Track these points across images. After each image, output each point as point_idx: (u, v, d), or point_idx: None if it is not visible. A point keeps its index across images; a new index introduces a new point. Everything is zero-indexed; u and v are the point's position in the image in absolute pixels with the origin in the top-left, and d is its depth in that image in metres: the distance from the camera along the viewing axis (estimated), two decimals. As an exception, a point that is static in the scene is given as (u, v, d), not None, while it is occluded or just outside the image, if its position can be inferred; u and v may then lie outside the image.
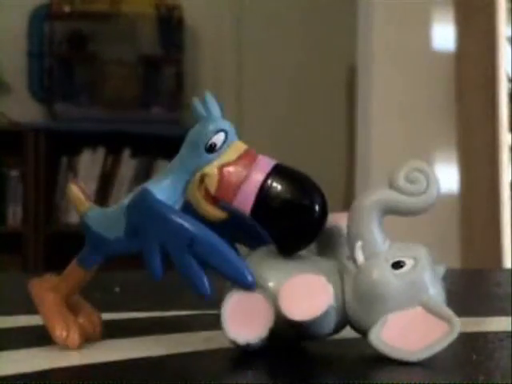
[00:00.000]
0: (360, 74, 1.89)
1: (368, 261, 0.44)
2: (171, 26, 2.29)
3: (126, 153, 2.24)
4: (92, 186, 2.22)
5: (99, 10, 2.28)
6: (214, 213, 0.45)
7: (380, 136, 1.78)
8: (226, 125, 0.46)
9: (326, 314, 0.43)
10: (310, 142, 2.17)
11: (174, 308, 0.61)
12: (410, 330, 0.43)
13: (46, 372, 0.42)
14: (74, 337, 0.47)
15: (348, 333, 0.46)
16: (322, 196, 0.45)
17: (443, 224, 1.66)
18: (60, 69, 2.28)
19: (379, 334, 0.42)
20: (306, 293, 0.43)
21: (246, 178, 0.45)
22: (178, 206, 0.46)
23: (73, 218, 2.21)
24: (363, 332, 0.44)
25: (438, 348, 0.42)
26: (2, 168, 2.20)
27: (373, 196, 0.44)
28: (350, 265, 0.45)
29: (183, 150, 0.46)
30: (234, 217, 0.45)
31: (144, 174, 2.25)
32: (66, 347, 0.47)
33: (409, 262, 0.43)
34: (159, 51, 2.32)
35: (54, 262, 2.16)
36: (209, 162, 0.45)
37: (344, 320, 0.44)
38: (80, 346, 0.47)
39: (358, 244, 0.44)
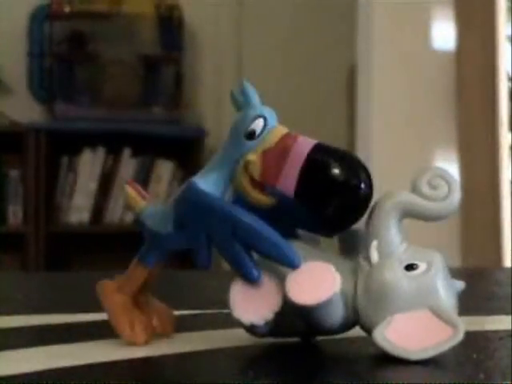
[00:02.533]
0: (360, 73, 1.89)
1: (382, 260, 0.44)
2: (171, 26, 2.29)
3: (126, 152, 2.24)
4: (92, 186, 2.22)
5: (99, 10, 2.28)
6: (261, 198, 0.45)
7: (380, 135, 1.78)
8: (265, 111, 0.46)
9: (331, 302, 0.43)
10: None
11: (174, 308, 0.61)
12: (415, 331, 0.43)
13: (46, 372, 0.42)
14: (140, 333, 0.48)
15: (352, 332, 0.46)
16: (367, 171, 0.44)
17: (443, 223, 1.66)
18: (60, 69, 2.28)
19: (384, 332, 0.43)
20: (313, 279, 0.43)
21: (288, 160, 0.44)
22: (226, 196, 0.46)
23: (73, 218, 2.21)
24: (370, 330, 0.44)
25: (438, 350, 0.42)
26: (2, 168, 2.20)
27: (393, 197, 0.45)
28: (364, 263, 0.45)
29: (227, 142, 0.47)
30: (286, 202, 0.45)
31: (144, 173, 2.25)
32: (132, 344, 0.47)
33: (422, 266, 0.44)
34: (159, 51, 2.32)
35: (55, 262, 2.16)
36: (251, 149, 0.46)
37: (354, 317, 0.45)
38: (147, 342, 0.48)
39: (374, 243, 0.44)
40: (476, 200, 1.72)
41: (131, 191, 0.51)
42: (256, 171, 0.45)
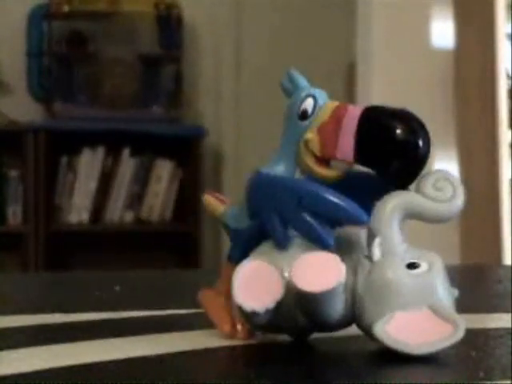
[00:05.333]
0: (359, 71, 1.89)
1: (384, 258, 0.44)
2: (170, 25, 2.29)
3: (126, 152, 2.24)
4: (92, 185, 2.22)
5: (98, 9, 2.28)
6: (328, 173, 0.46)
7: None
8: (313, 90, 0.48)
9: (334, 292, 0.43)
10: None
11: (174, 307, 0.61)
12: (415, 328, 0.43)
13: (46, 372, 0.42)
14: (241, 329, 0.49)
15: (349, 330, 0.46)
16: (422, 126, 0.45)
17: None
18: (59, 68, 2.28)
19: (384, 327, 0.43)
20: (318, 267, 0.43)
21: (342, 128, 0.45)
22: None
23: (72, 218, 2.21)
24: (367, 326, 0.44)
25: (439, 346, 0.42)
26: (2, 168, 2.20)
27: (398, 197, 0.45)
28: (365, 260, 0.45)
29: (284, 128, 0.48)
30: (355, 172, 0.46)
31: (143, 173, 2.25)
32: (234, 339, 0.49)
33: (423, 265, 0.44)
34: (158, 50, 2.32)
35: (54, 262, 2.17)
36: (307, 128, 0.47)
37: (352, 313, 0.45)
38: (249, 337, 0.49)
39: (377, 240, 0.45)
40: (476, 199, 1.72)
41: (209, 199, 0.53)
42: (316, 147, 0.46)
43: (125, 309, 0.65)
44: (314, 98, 0.47)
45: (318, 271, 0.43)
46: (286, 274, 0.44)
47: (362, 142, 0.45)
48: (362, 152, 0.45)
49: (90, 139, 2.22)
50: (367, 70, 1.85)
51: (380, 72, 1.83)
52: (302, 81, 0.49)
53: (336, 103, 0.47)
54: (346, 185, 0.46)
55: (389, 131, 0.44)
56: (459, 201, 0.45)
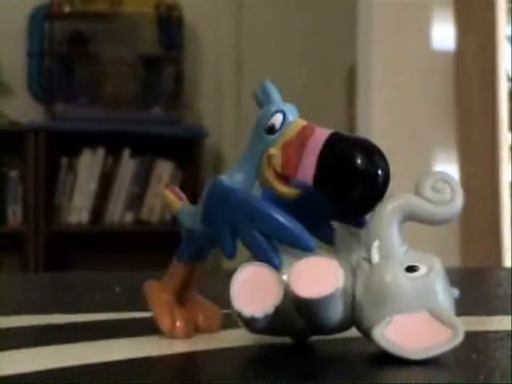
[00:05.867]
0: (360, 73, 1.89)
1: (382, 261, 0.44)
2: (171, 26, 2.29)
3: (126, 153, 2.24)
4: (92, 186, 2.22)
5: (99, 10, 2.28)
6: (286, 191, 0.46)
7: (380, 135, 1.78)
8: (284, 106, 0.48)
9: (333, 298, 0.43)
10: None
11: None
12: (414, 332, 0.43)
13: (46, 372, 0.42)
14: (181, 326, 0.50)
15: (349, 332, 0.46)
16: (383, 157, 0.45)
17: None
18: (60, 69, 2.28)
19: (383, 331, 0.43)
20: (316, 273, 0.43)
21: (306, 149, 0.45)
22: (254, 191, 0.47)
23: (72, 218, 2.21)
24: (366, 330, 0.44)
25: (438, 350, 0.42)
26: (2, 168, 2.20)
27: (397, 199, 0.45)
28: (364, 263, 0.45)
29: (251, 139, 0.49)
30: (310, 193, 0.46)
31: (144, 173, 2.25)
32: (174, 337, 0.49)
33: (423, 268, 0.44)
34: (159, 51, 2.32)
35: (54, 262, 2.16)
36: (272, 143, 0.47)
37: (351, 317, 0.45)
38: (189, 336, 0.49)
39: (375, 243, 0.44)
40: (476, 200, 1.72)
41: (169, 194, 0.53)
42: (278, 164, 0.46)
43: (125, 310, 0.65)
44: (284, 114, 0.47)
45: (316, 277, 0.43)
46: (285, 279, 0.44)
47: (323, 167, 0.45)
48: (322, 177, 0.45)
49: (91, 140, 2.22)
50: (368, 72, 1.85)
51: (381, 74, 1.83)
52: (275, 94, 0.49)
53: (304, 122, 0.47)
54: (303, 202, 0.46)
55: (350, 159, 0.44)
56: (458, 203, 0.45)
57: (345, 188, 0.44)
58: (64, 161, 2.23)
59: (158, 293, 0.52)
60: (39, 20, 2.26)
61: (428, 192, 0.45)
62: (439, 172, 0.46)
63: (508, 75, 1.86)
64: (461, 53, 1.85)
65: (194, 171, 2.24)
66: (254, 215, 0.46)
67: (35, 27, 2.26)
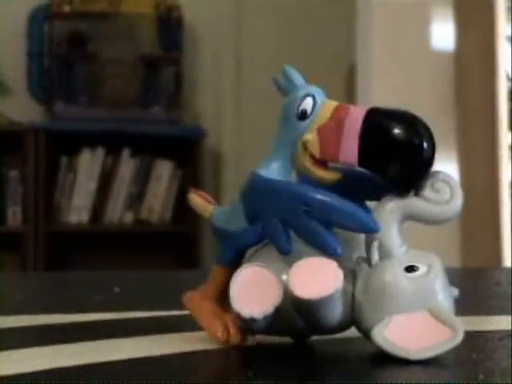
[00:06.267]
0: (360, 73, 1.89)
1: (382, 261, 0.44)
2: (170, 26, 2.29)
3: (126, 152, 2.24)
4: (92, 186, 2.22)
5: (99, 10, 2.28)
6: (327, 175, 0.45)
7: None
8: (311, 89, 0.46)
9: (332, 298, 0.43)
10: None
11: (174, 308, 0.61)
12: (414, 332, 0.43)
13: (46, 372, 0.42)
14: (235, 334, 0.48)
15: (350, 332, 0.46)
16: (426, 128, 0.44)
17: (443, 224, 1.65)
18: (59, 69, 2.28)
19: (383, 331, 0.43)
20: (315, 274, 0.43)
21: (344, 130, 0.44)
22: (291, 180, 0.46)
23: (72, 218, 2.21)
24: (366, 330, 0.44)
25: (438, 351, 0.42)
26: (2, 168, 2.20)
27: (396, 199, 0.45)
28: (364, 264, 0.45)
29: (280, 127, 0.47)
30: (350, 174, 0.44)
31: (143, 173, 2.25)
32: (228, 344, 0.48)
33: (422, 268, 0.44)
34: (159, 51, 2.32)
35: (54, 262, 2.16)
36: (305, 128, 0.45)
37: (351, 317, 0.45)
38: (243, 341, 0.48)
39: (375, 244, 0.44)
40: (476, 200, 1.72)
41: (197, 199, 0.52)
42: (315, 149, 0.45)
43: (124, 309, 0.65)
44: (313, 97, 0.46)
45: (316, 278, 0.43)
46: (285, 279, 0.44)
47: (366, 146, 0.43)
48: (366, 156, 0.43)
49: (90, 140, 2.22)
50: (367, 72, 1.85)
51: (380, 74, 1.83)
52: (299, 78, 0.48)
53: (335, 103, 0.46)
54: (341, 186, 0.45)
55: (394, 134, 0.43)
56: (457, 202, 0.45)
57: (392, 163, 0.43)
58: (64, 160, 2.22)
59: (201, 302, 0.50)
60: (39, 20, 2.26)
61: (427, 192, 0.45)
62: (438, 172, 0.46)
63: (508, 75, 1.85)
64: (461, 53, 1.85)
65: (193, 171, 2.24)
66: (309, 205, 0.44)
67: (35, 27, 2.25)
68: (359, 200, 0.45)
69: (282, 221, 0.45)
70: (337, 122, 0.45)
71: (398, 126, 0.43)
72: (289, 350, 0.48)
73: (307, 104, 0.46)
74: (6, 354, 0.47)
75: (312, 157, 0.45)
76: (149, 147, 2.24)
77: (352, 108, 0.45)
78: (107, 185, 2.23)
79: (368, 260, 0.45)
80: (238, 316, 0.45)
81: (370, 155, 0.44)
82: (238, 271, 0.45)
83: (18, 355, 0.47)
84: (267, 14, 2.33)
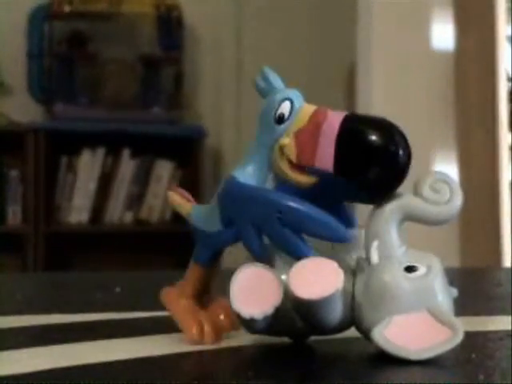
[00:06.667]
0: (360, 73, 1.89)
1: (382, 261, 0.44)
2: (171, 26, 2.29)
3: (126, 153, 2.24)
4: (92, 186, 2.22)
5: (99, 9, 2.28)
6: (303, 179, 0.45)
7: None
8: (290, 92, 0.46)
9: (333, 298, 0.43)
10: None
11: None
12: (413, 332, 0.43)
13: (47, 372, 0.42)
14: (209, 333, 0.48)
15: (350, 332, 0.46)
16: (402, 134, 0.44)
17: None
18: (60, 69, 2.28)
19: (383, 331, 0.43)
20: (316, 274, 0.43)
21: (321, 136, 0.44)
22: (267, 184, 0.46)
23: (72, 218, 2.21)
24: (366, 330, 0.44)
25: (438, 351, 0.42)
26: (2, 168, 2.20)
27: (396, 199, 0.45)
28: (363, 264, 0.45)
29: (257, 130, 0.47)
30: (326, 178, 0.44)
31: (144, 173, 2.25)
32: (201, 344, 0.48)
33: (422, 268, 0.44)
34: (159, 51, 2.32)
35: (54, 262, 2.16)
36: (283, 132, 0.45)
37: (351, 317, 0.45)
38: (217, 340, 0.48)
39: (375, 244, 0.44)
40: (476, 200, 1.72)
41: (176, 197, 0.52)
42: (292, 153, 0.45)
43: (125, 310, 0.65)
44: (291, 101, 0.46)
45: (316, 278, 0.43)
46: (285, 279, 0.44)
47: (342, 152, 0.43)
48: (342, 162, 0.43)
49: (90, 140, 2.22)
50: (367, 72, 1.85)
51: (380, 74, 1.83)
52: (277, 81, 0.48)
53: (313, 107, 0.46)
54: (318, 189, 0.45)
55: (369, 141, 0.43)
56: (457, 203, 0.45)
57: (367, 171, 0.43)
58: (64, 161, 2.22)
59: (177, 299, 0.50)
60: (39, 20, 2.25)
61: (427, 192, 0.45)
62: (438, 172, 0.46)
63: (508, 75, 1.85)
64: (461, 53, 1.85)
65: (193, 171, 2.24)
66: (282, 212, 0.44)
67: (35, 27, 2.25)
68: (337, 203, 0.46)
69: (255, 226, 0.45)
70: (314, 126, 0.44)
71: (375, 133, 0.43)
72: (289, 350, 0.48)
73: (285, 108, 0.46)
74: (5, 353, 0.47)
75: (289, 161, 0.45)
76: (149, 147, 2.24)
77: (330, 113, 0.45)
78: (107, 185, 2.23)
79: (367, 260, 0.45)
80: (237, 316, 0.45)
81: (345, 162, 0.43)
82: (238, 271, 0.45)
83: (17, 355, 0.47)
84: (267, 14, 2.33)
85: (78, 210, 2.22)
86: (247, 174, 0.46)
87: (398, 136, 0.44)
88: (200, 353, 0.47)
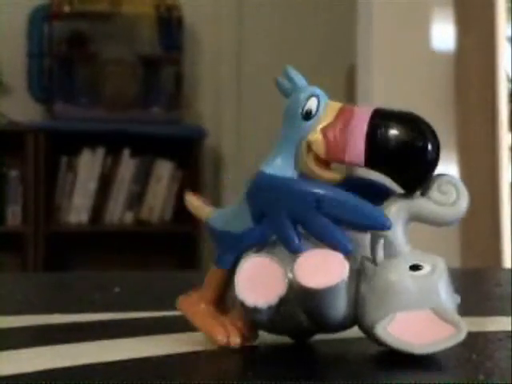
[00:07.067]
0: (360, 73, 1.89)
1: (387, 259, 0.44)
2: (171, 26, 2.29)
3: (126, 153, 2.24)
4: (92, 186, 2.22)
5: (99, 10, 2.28)
6: (331, 176, 0.45)
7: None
8: (315, 89, 0.47)
9: (338, 289, 0.43)
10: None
11: (174, 308, 0.61)
12: (417, 329, 0.43)
13: (46, 372, 0.42)
14: (235, 338, 0.47)
15: (350, 332, 0.46)
16: (431, 129, 0.45)
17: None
18: (60, 69, 2.28)
19: (387, 327, 0.43)
20: (321, 264, 0.43)
21: (350, 131, 0.44)
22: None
23: (72, 218, 2.21)
24: (369, 328, 0.44)
25: (442, 346, 0.42)
26: (2, 168, 2.20)
27: (402, 200, 0.45)
28: (368, 262, 0.45)
29: (283, 127, 0.47)
30: (352, 179, 0.45)
31: (144, 173, 2.25)
32: (228, 345, 0.47)
33: (427, 267, 0.44)
34: (159, 51, 2.32)
35: (54, 262, 2.16)
36: (310, 128, 0.46)
37: (354, 315, 0.45)
38: (242, 344, 0.47)
39: (380, 242, 0.45)
40: (476, 200, 1.71)
41: (194, 200, 0.52)
42: (321, 149, 0.45)
43: (125, 310, 0.65)
44: (318, 97, 0.46)
45: (322, 268, 0.43)
46: (289, 270, 0.44)
47: (372, 146, 0.44)
48: (372, 156, 0.44)
49: (90, 140, 2.22)
50: (368, 72, 1.85)
51: (380, 74, 1.83)
52: (301, 79, 0.48)
53: (339, 104, 0.46)
54: (344, 188, 0.45)
55: (400, 135, 0.44)
56: (463, 204, 0.45)
57: (398, 163, 0.44)
58: (64, 161, 2.22)
59: (198, 306, 0.49)
60: (39, 20, 2.25)
61: (433, 193, 0.45)
62: (444, 174, 0.46)
63: (508, 75, 1.85)
64: (461, 53, 1.85)
65: (193, 171, 2.24)
66: (320, 202, 0.44)
67: (35, 27, 2.25)
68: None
69: (291, 218, 0.45)
70: (343, 122, 0.45)
71: (404, 127, 0.44)
72: (289, 351, 0.48)
73: (312, 104, 0.46)
74: (5, 353, 0.47)
75: (316, 157, 0.45)
76: (149, 147, 2.24)
77: (357, 109, 0.45)
78: (107, 185, 2.23)
79: (372, 259, 0.45)
80: (241, 305, 0.45)
81: (375, 155, 0.44)
82: (244, 261, 0.45)
83: (17, 355, 0.47)
84: (267, 14, 2.33)
85: (77, 210, 2.22)
86: (276, 168, 0.46)
87: (427, 129, 0.45)
88: (200, 353, 0.47)
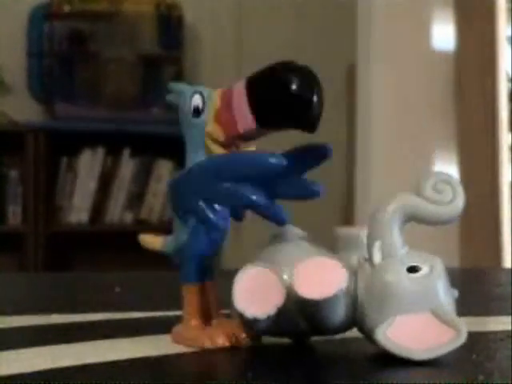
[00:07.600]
0: (360, 73, 1.89)
1: (384, 261, 0.44)
2: (171, 25, 2.29)
3: (126, 153, 2.24)
4: (92, 186, 2.22)
5: (99, 9, 2.28)
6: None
7: (380, 136, 1.78)
8: (197, 87, 0.49)
9: (337, 298, 0.43)
10: (309, 141, 2.16)
11: (174, 308, 0.61)
12: (417, 332, 0.43)
13: (46, 372, 0.42)
14: (223, 344, 0.47)
15: (350, 333, 0.46)
16: (298, 66, 0.46)
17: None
18: (60, 68, 2.28)
19: (386, 332, 0.43)
20: (320, 273, 0.43)
21: (235, 107, 0.46)
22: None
23: (72, 218, 2.21)
24: (368, 331, 0.44)
25: (441, 351, 0.42)
26: (2, 168, 2.20)
27: (398, 200, 0.45)
28: (365, 264, 0.45)
29: (184, 133, 0.50)
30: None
31: (144, 173, 2.25)
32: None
33: (424, 269, 0.44)
34: (159, 50, 2.32)
35: (54, 262, 2.16)
36: (204, 122, 0.48)
37: (353, 318, 0.45)
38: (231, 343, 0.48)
39: (377, 244, 0.44)
40: (476, 202, 1.72)
41: (147, 238, 0.55)
42: (220, 136, 0.48)
43: (125, 310, 0.65)
44: (201, 93, 0.48)
45: (320, 277, 0.43)
46: (287, 280, 0.44)
47: (258, 109, 0.46)
48: (261, 116, 0.46)
49: (91, 140, 2.22)
50: (367, 72, 1.85)
51: (380, 74, 1.83)
52: (184, 86, 0.50)
53: (220, 90, 0.48)
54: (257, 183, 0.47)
55: (273, 87, 0.45)
56: (460, 203, 0.45)
57: (285, 111, 0.45)
58: (64, 161, 2.22)
59: (185, 331, 0.49)
60: (39, 20, 2.25)
61: (429, 192, 0.45)
62: (440, 172, 0.46)
63: (508, 75, 1.85)
64: (461, 53, 1.85)
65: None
66: (216, 168, 0.47)
67: (35, 27, 2.25)
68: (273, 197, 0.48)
69: (201, 199, 0.47)
70: (227, 103, 0.47)
71: (273, 79, 0.45)
72: (289, 350, 0.48)
73: (197, 101, 0.48)
74: (5, 353, 0.47)
75: (220, 144, 0.48)
76: (149, 147, 2.24)
77: (234, 85, 0.47)
78: (107, 185, 2.23)
79: (370, 260, 0.45)
80: (240, 316, 0.45)
81: (263, 115, 0.46)
82: (241, 271, 0.45)
83: (17, 355, 0.47)
84: (267, 14, 2.33)
85: (78, 210, 2.22)
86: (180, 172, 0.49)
87: (292, 69, 0.46)
88: (200, 353, 0.47)
